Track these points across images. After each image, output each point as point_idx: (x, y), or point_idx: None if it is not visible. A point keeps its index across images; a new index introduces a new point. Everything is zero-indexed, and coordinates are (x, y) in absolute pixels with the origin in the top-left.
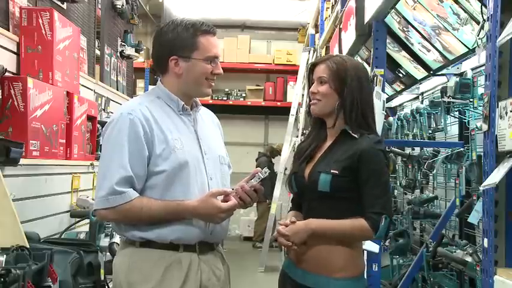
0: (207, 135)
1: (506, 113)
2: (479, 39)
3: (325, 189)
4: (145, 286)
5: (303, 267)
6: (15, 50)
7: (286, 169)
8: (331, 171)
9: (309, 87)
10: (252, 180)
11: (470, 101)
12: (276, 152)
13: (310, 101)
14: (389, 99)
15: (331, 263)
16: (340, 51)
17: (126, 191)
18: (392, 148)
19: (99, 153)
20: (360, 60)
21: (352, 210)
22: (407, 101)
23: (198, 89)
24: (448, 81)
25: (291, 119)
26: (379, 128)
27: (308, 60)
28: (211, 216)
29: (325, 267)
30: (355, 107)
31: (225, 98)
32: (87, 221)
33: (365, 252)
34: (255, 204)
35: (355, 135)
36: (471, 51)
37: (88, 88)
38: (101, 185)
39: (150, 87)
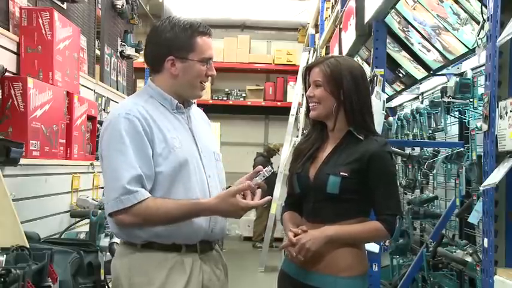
0: (201, 132)
1: (506, 113)
2: (479, 39)
3: (334, 191)
4: None
5: (307, 266)
6: (15, 50)
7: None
8: (341, 173)
9: (306, 90)
10: (257, 178)
11: (470, 101)
12: (272, 151)
13: (308, 104)
14: (389, 99)
15: (338, 262)
16: (340, 51)
17: (139, 190)
18: (393, 148)
19: (99, 153)
20: (360, 60)
21: (356, 211)
22: (407, 101)
23: (191, 90)
24: (448, 81)
25: (291, 119)
26: (379, 128)
27: (308, 60)
28: (232, 213)
29: (331, 267)
30: (355, 108)
31: (225, 98)
32: (87, 221)
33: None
34: None
35: (360, 137)
36: (471, 51)
37: (88, 88)
38: (112, 187)
39: (144, 86)
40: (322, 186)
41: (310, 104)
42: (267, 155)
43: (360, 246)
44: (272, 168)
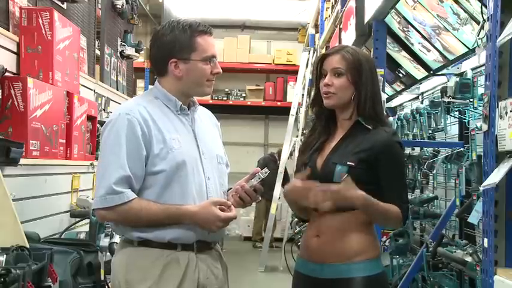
0: (204, 134)
1: (506, 113)
2: (479, 39)
3: (341, 180)
4: (144, 284)
5: (319, 260)
6: (15, 50)
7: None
8: (348, 162)
9: (317, 79)
10: (252, 180)
11: (470, 101)
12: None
13: (318, 92)
14: (389, 99)
15: (349, 249)
16: None
17: (124, 191)
18: None
19: (99, 153)
20: None
21: None
22: (407, 101)
23: (199, 89)
24: (448, 81)
25: (291, 119)
26: None
27: (308, 60)
28: (209, 223)
29: (343, 255)
30: (368, 98)
31: (225, 98)
32: (87, 221)
33: None
34: (254, 204)
35: (369, 127)
36: (471, 51)
37: (88, 88)
38: (100, 185)
39: (150, 87)
40: (329, 176)
41: (324, 93)
42: (278, 156)
43: (369, 230)
44: (268, 170)
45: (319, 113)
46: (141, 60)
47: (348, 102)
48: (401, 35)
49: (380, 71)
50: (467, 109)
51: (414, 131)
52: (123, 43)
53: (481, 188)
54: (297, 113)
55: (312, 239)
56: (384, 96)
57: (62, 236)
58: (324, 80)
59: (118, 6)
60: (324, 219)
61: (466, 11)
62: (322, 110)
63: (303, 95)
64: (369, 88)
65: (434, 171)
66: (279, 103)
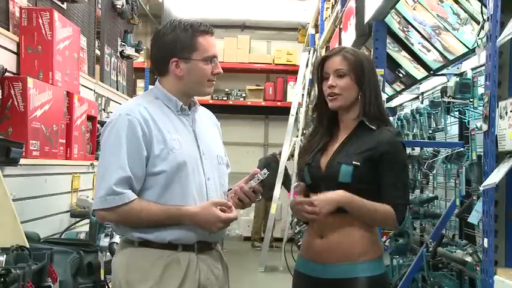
0: (205, 135)
1: (506, 113)
2: (479, 39)
3: (346, 180)
4: (144, 285)
5: (323, 260)
6: (15, 50)
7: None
8: (353, 162)
9: (318, 81)
10: (251, 181)
11: (470, 101)
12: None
13: (320, 95)
14: (389, 99)
15: (353, 249)
16: None
17: (125, 192)
18: None
19: (99, 153)
20: None
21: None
22: (407, 101)
23: (199, 89)
24: (448, 81)
25: (291, 119)
26: None
27: (308, 60)
28: (210, 224)
29: (348, 255)
30: (372, 97)
31: (225, 98)
32: (87, 221)
33: None
34: (253, 204)
35: (373, 127)
36: (471, 51)
37: (88, 88)
38: (100, 185)
39: (150, 87)
40: (334, 176)
41: (328, 95)
42: (279, 157)
43: (372, 230)
44: (270, 170)
45: (321, 116)
46: (141, 60)
47: (354, 102)
48: (401, 35)
49: (380, 71)
50: (467, 109)
51: (414, 131)
52: (123, 43)
53: (481, 188)
54: (297, 113)
55: (315, 239)
56: (383, 96)
57: (62, 236)
58: (327, 83)
59: (118, 6)
60: (327, 219)
61: (466, 11)
62: (324, 113)
63: (303, 95)
64: (372, 88)
65: (434, 171)
66: (279, 103)
